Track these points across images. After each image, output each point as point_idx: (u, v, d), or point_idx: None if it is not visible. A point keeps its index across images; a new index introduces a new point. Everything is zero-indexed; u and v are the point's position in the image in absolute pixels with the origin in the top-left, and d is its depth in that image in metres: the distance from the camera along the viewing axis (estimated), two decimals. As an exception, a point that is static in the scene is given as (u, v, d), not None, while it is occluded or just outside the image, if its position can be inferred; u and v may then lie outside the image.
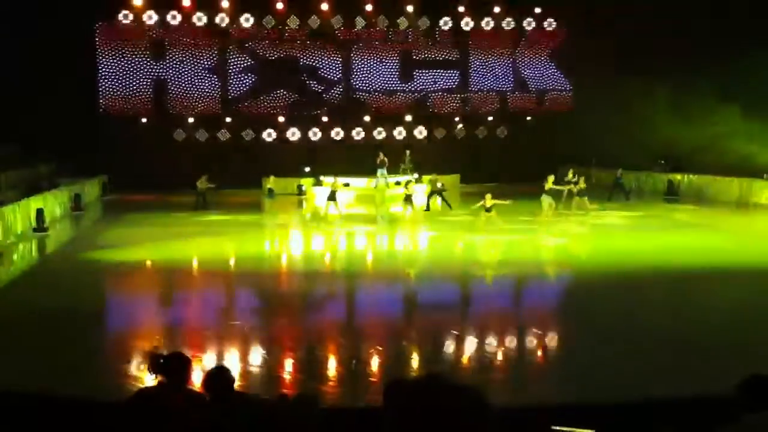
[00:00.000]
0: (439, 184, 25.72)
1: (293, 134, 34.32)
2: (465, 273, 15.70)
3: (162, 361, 4.89)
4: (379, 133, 35.02)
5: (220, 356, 9.52)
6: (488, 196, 20.03)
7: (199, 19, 32.82)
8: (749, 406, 3.74)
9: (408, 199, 22.65)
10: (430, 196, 25.52)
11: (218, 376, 4.99)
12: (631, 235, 19.67)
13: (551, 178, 21.45)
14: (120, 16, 32.12)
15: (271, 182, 27.25)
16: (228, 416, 4.56)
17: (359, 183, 30.25)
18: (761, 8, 25.87)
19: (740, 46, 25.65)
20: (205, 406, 4.81)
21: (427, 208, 24.93)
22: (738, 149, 26.81)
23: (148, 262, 16.82)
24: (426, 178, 27.39)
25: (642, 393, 7.49)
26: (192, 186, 25.78)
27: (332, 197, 23.11)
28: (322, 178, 29.68)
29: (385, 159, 29.60)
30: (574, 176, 23.82)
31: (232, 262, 17.24)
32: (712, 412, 6.46)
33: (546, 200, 21.09)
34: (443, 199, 25.19)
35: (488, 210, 19.88)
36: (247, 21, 33.24)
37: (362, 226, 22.32)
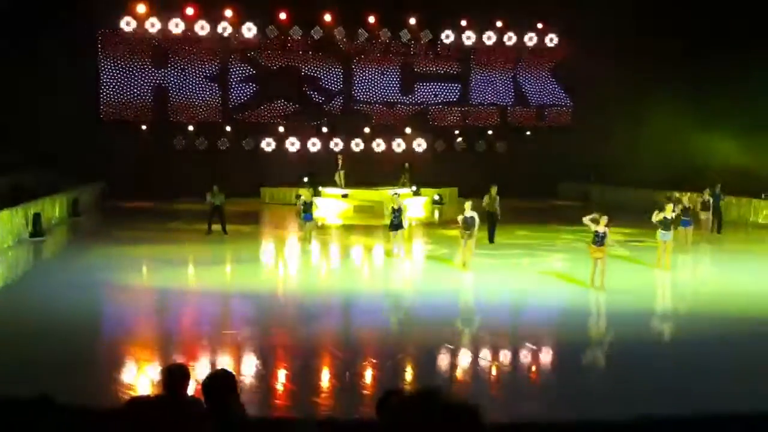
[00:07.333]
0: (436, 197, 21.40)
1: (292, 144, 34.41)
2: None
3: (166, 374, 4.80)
4: (378, 145, 35.07)
5: (212, 366, 9.46)
6: (603, 219, 14.25)
7: (202, 27, 32.90)
8: None
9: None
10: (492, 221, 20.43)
11: (219, 379, 4.80)
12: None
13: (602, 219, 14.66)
14: (122, 24, 32.21)
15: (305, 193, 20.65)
16: (224, 428, 4.50)
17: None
18: (761, 28, 25.97)
19: (741, 62, 25.72)
20: (203, 416, 4.71)
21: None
22: (738, 167, 26.65)
23: (144, 270, 16.76)
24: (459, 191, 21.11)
25: (636, 412, 7.45)
26: (203, 198, 21.11)
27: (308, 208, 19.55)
28: (320, 188, 29.61)
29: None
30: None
31: (227, 271, 17.19)
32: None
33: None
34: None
35: (601, 238, 14.11)
36: (249, 30, 33.34)
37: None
